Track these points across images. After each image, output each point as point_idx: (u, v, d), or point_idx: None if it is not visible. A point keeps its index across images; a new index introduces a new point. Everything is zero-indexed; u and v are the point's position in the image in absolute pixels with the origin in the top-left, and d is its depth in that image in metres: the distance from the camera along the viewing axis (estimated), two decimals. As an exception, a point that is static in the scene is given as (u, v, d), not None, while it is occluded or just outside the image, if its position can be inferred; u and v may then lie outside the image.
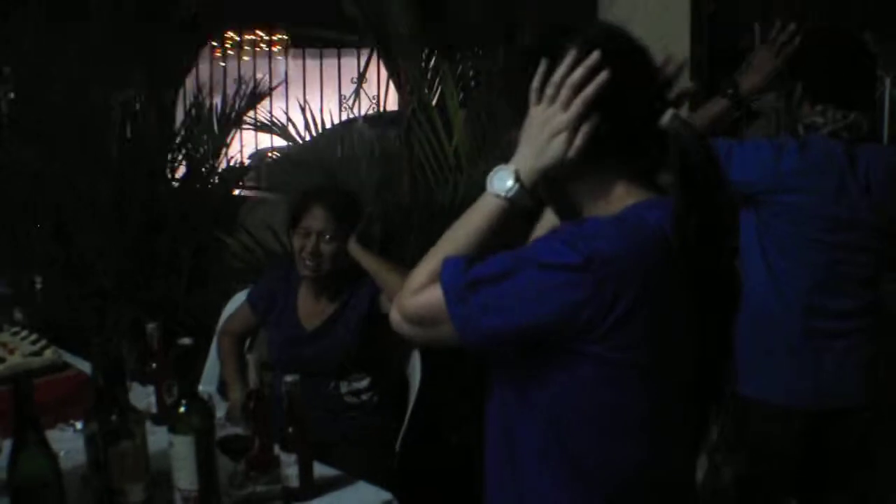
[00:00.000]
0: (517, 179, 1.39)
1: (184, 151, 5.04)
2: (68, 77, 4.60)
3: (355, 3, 4.17)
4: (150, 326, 2.65)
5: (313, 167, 4.19)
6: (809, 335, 2.65)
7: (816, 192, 2.60)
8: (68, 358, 2.85)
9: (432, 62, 4.06)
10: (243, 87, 4.97)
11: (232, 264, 4.39)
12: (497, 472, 1.54)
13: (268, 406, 2.34)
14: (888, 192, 2.64)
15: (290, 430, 2.18)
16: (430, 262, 1.40)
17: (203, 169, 5.04)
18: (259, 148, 5.64)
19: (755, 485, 2.84)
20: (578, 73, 1.36)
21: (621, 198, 1.41)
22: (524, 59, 1.44)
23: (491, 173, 1.42)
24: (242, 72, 5.77)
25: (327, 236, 2.92)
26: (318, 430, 2.38)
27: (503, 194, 1.39)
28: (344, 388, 3.00)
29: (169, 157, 5.01)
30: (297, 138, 4.40)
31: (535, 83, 1.39)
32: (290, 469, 2.17)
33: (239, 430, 2.18)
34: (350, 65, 5.16)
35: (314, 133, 4.44)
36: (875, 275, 2.70)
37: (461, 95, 3.94)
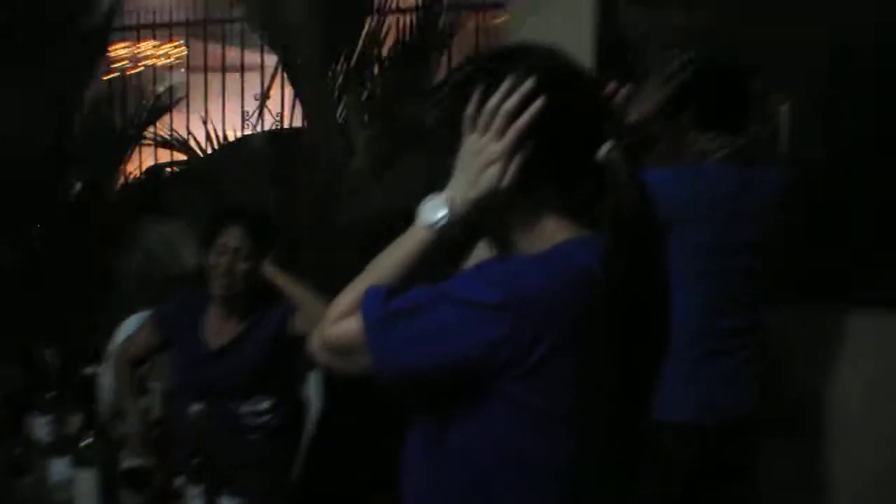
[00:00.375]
0: (450, 209, 1.35)
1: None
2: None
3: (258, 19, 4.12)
4: (49, 352, 2.57)
5: (209, 184, 4.13)
6: (703, 354, 2.68)
7: (710, 221, 2.63)
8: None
9: (339, 81, 4.04)
10: (144, 102, 4.85)
11: (126, 287, 4.28)
12: None
13: (171, 436, 2.28)
14: (778, 214, 2.73)
15: (197, 461, 2.13)
16: (354, 291, 1.36)
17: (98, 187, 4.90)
18: (156, 163, 5.47)
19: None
20: (513, 100, 1.31)
21: (552, 234, 1.36)
22: (460, 85, 1.40)
23: (423, 203, 1.37)
24: (142, 86, 5.61)
25: (243, 254, 2.91)
26: (220, 453, 2.30)
27: (433, 225, 1.36)
28: (245, 408, 2.97)
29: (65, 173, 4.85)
30: (199, 152, 4.31)
31: (469, 111, 1.35)
32: (196, 502, 2.12)
33: (140, 461, 2.12)
34: (254, 80, 5.06)
35: (215, 147, 4.37)
36: (763, 294, 2.77)
37: (365, 117, 3.92)
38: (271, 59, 4.55)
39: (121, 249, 4.42)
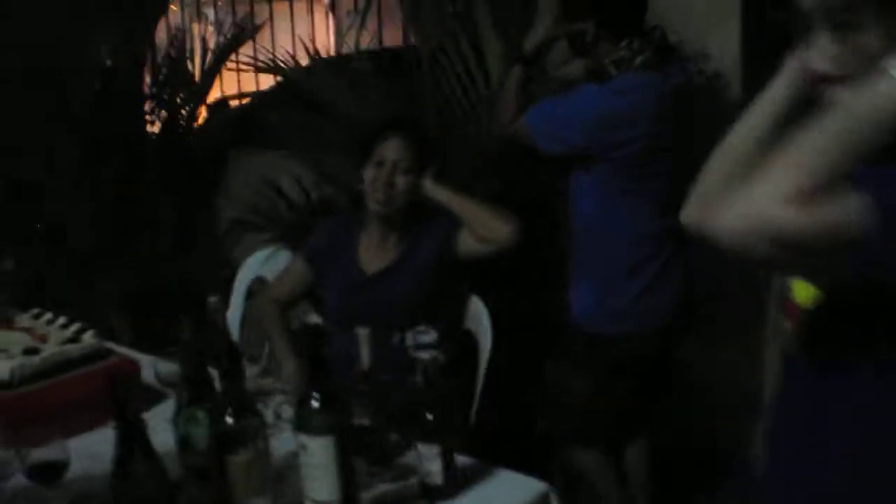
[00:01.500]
0: None
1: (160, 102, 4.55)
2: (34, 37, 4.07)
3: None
4: (212, 300, 2.22)
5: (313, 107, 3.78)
6: (638, 262, 2.80)
7: (644, 136, 2.68)
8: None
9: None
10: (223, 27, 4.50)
11: (234, 227, 4.00)
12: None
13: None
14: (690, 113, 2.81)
15: (431, 415, 1.82)
16: (796, 163, 1.05)
17: (180, 120, 4.58)
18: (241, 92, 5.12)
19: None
20: None
21: None
22: None
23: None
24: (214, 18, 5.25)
25: (403, 167, 2.71)
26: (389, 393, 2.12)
27: None
28: (409, 341, 2.69)
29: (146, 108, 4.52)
30: (298, 75, 3.95)
31: None
32: (432, 464, 1.82)
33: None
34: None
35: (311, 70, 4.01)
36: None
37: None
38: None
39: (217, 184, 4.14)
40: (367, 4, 3.97)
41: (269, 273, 3.14)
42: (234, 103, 5.02)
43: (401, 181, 2.71)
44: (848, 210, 1.03)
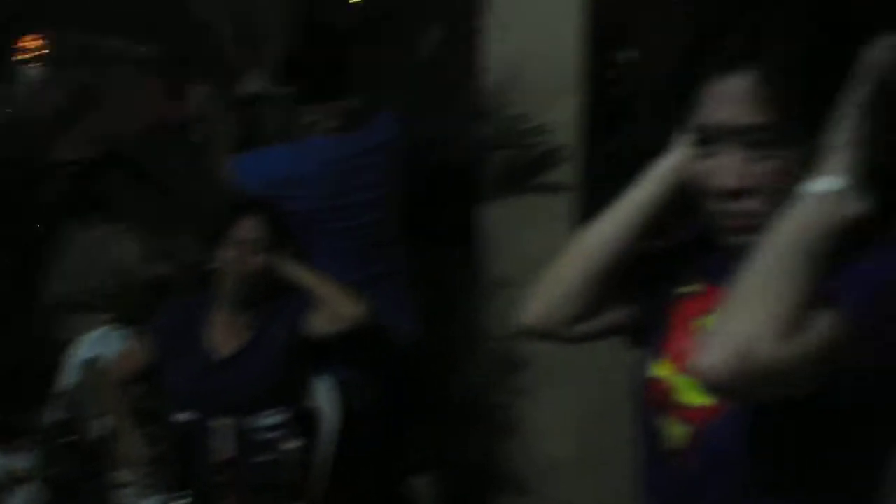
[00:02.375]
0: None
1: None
2: None
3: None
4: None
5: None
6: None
7: (325, 187, 2.85)
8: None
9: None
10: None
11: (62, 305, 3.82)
12: None
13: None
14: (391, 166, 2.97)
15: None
16: (751, 310, 1.05)
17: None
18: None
19: None
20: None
21: None
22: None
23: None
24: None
25: (261, 246, 2.68)
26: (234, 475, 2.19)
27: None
28: (256, 424, 2.63)
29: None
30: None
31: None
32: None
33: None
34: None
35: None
36: (392, 241, 3.05)
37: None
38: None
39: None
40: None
41: (105, 352, 3.00)
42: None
43: (256, 262, 2.68)
44: (823, 330, 1.03)
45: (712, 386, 1.06)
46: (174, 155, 3.69)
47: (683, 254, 1.33)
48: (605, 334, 1.39)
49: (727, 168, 1.14)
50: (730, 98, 1.12)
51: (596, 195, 3.22)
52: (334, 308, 2.66)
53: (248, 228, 2.70)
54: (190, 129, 3.86)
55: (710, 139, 1.16)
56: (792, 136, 1.10)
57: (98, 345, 3.07)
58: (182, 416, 2.60)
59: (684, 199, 1.24)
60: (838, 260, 1.05)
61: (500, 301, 3.42)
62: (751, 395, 1.10)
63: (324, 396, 2.84)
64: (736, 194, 1.14)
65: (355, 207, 2.89)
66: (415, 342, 3.01)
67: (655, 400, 1.28)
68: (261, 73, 2.99)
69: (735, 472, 1.20)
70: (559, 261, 1.36)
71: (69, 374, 3.04)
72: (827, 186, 1.05)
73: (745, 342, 1.01)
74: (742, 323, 1.03)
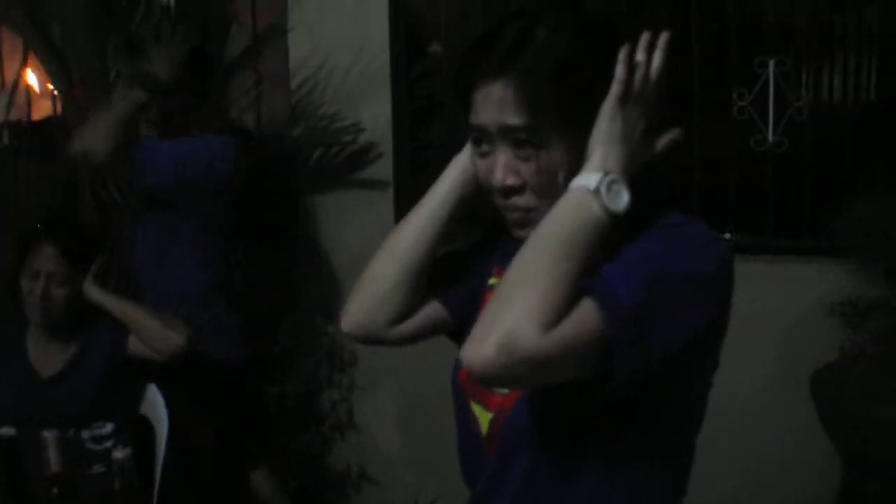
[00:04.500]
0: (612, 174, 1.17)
1: None
2: None
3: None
4: None
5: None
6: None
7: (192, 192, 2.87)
8: None
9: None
10: None
11: None
12: None
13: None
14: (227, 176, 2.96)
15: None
16: (522, 295, 1.09)
17: None
18: None
19: None
20: (659, 58, 1.20)
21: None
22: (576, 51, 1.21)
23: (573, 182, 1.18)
24: None
25: (59, 279, 2.58)
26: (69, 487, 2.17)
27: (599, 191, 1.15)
28: (86, 435, 2.64)
29: None
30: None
31: (621, 76, 1.17)
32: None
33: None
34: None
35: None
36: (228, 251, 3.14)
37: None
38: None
39: None
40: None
41: None
42: None
43: (58, 293, 2.58)
44: (581, 320, 1.07)
45: (479, 376, 1.09)
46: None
47: (492, 246, 1.40)
48: (426, 334, 1.41)
49: (498, 166, 1.22)
50: (492, 102, 1.19)
51: (411, 190, 3.35)
52: (152, 343, 2.62)
53: (46, 260, 2.58)
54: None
55: (483, 139, 1.24)
56: (551, 135, 1.18)
57: None
58: (4, 431, 2.52)
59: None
60: (603, 253, 1.13)
61: (328, 297, 3.52)
62: (518, 385, 1.18)
63: (154, 403, 2.82)
64: (507, 191, 1.22)
65: (209, 205, 2.92)
66: (240, 363, 3.04)
67: (464, 388, 1.35)
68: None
69: (531, 458, 1.24)
70: (371, 262, 1.38)
71: None
72: (589, 182, 1.13)
73: (506, 334, 1.05)
74: (505, 315, 1.06)
